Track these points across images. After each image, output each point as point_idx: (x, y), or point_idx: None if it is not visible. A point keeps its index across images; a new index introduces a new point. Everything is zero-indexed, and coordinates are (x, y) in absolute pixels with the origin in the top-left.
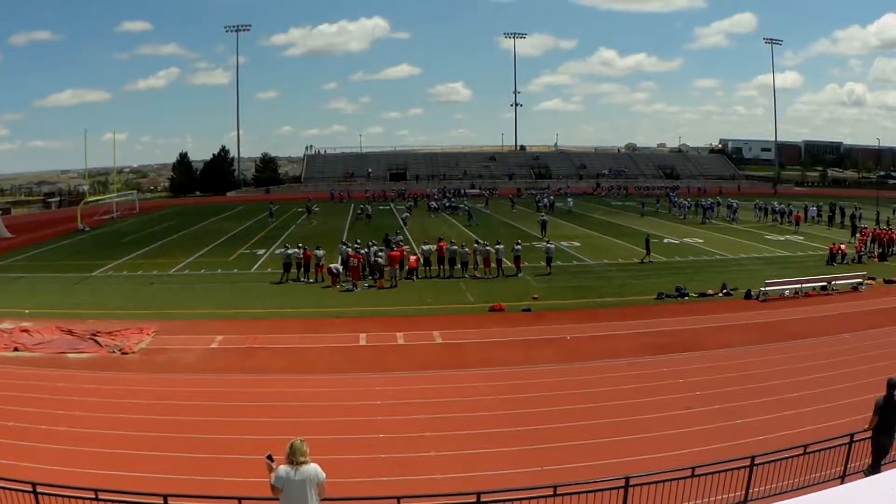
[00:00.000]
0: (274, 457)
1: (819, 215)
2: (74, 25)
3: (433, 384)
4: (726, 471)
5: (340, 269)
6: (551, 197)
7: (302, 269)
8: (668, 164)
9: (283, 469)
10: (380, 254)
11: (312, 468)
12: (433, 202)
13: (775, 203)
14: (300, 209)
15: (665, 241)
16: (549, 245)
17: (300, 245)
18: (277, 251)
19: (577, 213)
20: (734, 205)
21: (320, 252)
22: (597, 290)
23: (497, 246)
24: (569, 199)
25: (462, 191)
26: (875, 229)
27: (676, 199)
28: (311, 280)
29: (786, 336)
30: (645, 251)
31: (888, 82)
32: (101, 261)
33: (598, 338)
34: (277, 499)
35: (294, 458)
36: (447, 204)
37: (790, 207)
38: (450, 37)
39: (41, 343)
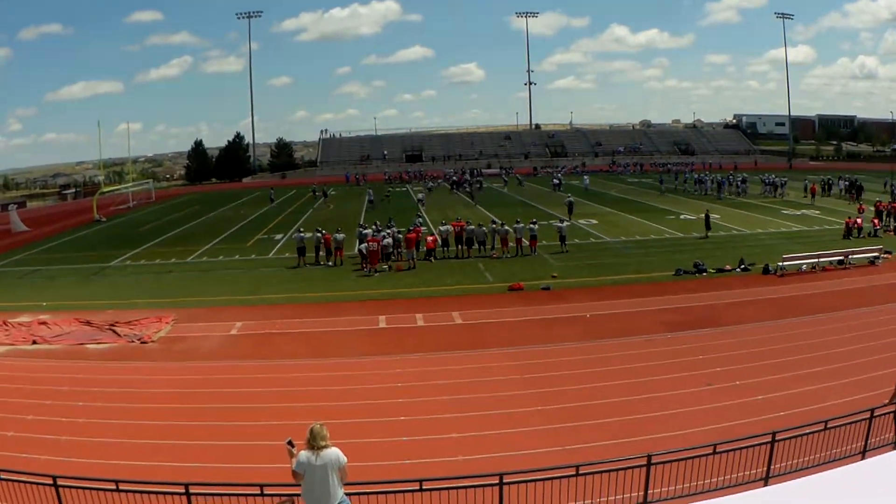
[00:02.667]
0: (294, 442)
1: (848, 190)
2: (84, 18)
3: (454, 365)
4: (748, 447)
5: (372, 248)
6: (559, 176)
7: (322, 252)
8: (683, 140)
9: (303, 454)
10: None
11: (333, 452)
12: (454, 178)
13: (768, 175)
14: (316, 193)
15: (682, 217)
16: (561, 224)
17: (318, 229)
18: (294, 236)
19: (593, 191)
20: (736, 179)
21: (340, 236)
22: (615, 267)
23: (516, 225)
24: (585, 178)
25: (478, 171)
26: (891, 203)
27: (690, 174)
28: (331, 264)
29: (804, 311)
30: (705, 227)
31: None
32: (119, 251)
33: (617, 315)
34: (299, 485)
35: (314, 443)
36: (467, 181)
37: (782, 180)
38: (462, 18)
39: (60, 335)
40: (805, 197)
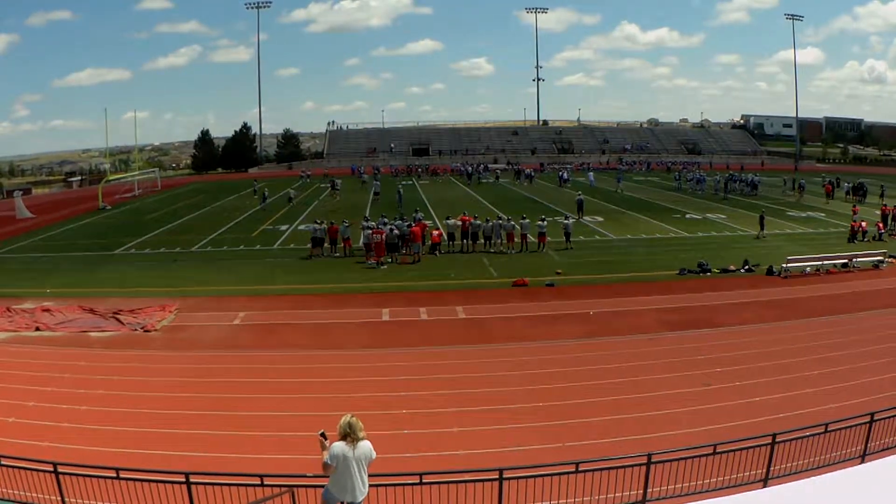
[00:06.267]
0: (327, 434)
1: (853, 192)
2: (93, 5)
3: (456, 359)
4: (748, 448)
5: (375, 240)
6: (564, 172)
7: (327, 244)
8: (691, 140)
9: (339, 446)
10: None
11: (367, 445)
12: (469, 167)
13: (751, 176)
14: (324, 185)
15: (687, 216)
16: (566, 221)
17: (320, 220)
18: (301, 227)
19: (598, 189)
20: (723, 179)
21: (344, 226)
22: (619, 265)
23: (522, 221)
24: (590, 174)
25: (485, 165)
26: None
27: (694, 174)
28: (338, 254)
29: (807, 313)
30: (759, 227)
31: None
32: (123, 239)
33: (620, 313)
34: (327, 476)
35: (352, 435)
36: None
37: (756, 179)
38: (472, 12)
39: (63, 322)
40: (793, 195)
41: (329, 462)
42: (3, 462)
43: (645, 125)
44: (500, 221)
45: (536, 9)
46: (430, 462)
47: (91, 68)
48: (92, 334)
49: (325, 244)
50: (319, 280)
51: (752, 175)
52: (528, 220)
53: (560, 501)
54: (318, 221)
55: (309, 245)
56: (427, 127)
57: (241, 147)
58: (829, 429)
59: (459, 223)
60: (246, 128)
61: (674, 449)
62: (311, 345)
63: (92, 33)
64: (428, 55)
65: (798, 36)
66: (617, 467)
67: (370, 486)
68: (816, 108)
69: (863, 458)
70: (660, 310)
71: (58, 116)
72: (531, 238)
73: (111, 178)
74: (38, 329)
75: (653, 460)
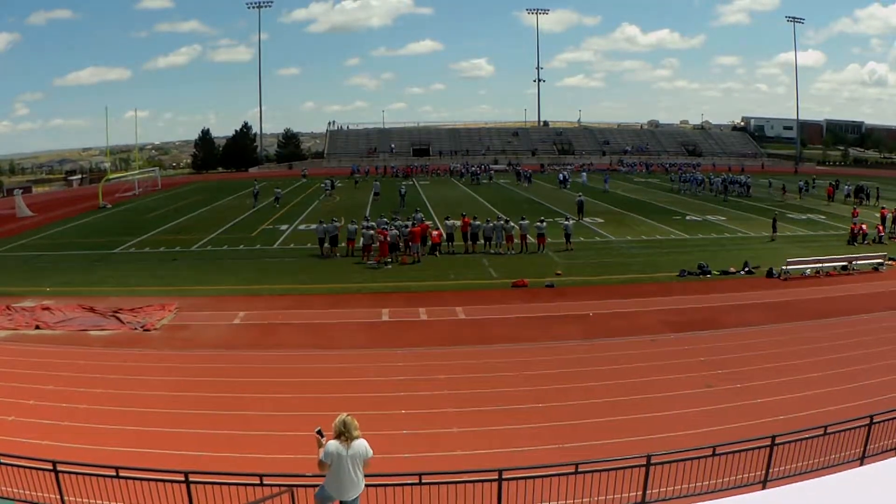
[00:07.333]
0: (324, 432)
1: (854, 195)
2: (93, 4)
3: (455, 360)
4: (747, 450)
5: (378, 239)
6: (564, 173)
7: (327, 244)
8: (691, 142)
9: (333, 444)
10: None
11: (362, 444)
12: (470, 167)
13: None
14: (322, 184)
15: (687, 218)
16: (567, 222)
17: (337, 218)
18: (301, 227)
19: (599, 190)
20: (717, 180)
21: (353, 226)
22: (619, 266)
23: (521, 222)
24: (582, 174)
25: (486, 166)
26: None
27: (691, 175)
28: (338, 254)
29: (807, 315)
30: (772, 230)
31: None
32: (123, 238)
33: (620, 314)
34: (324, 475)
35: (346, 434)
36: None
37: (748, 181)
38: (473, 12)
39: (63, 321)
40: (779, 196)
41: (324, 460)
42: (2, 461)
43: (645, 126)
44: (500, 222)
45: (537, 10)
46: (429, 462)
47: (92, 67)
48: (91, 333)
49: (326, 244)
50: (319, 280)
51: (745, 177)
52: (527, 222)
53: (559, 502)
54: (335, 219)
55: (317, 244)
56: (427, 127)
57: (242, 147)
58: (828, 431)
59: (459, 224)
60: (246, 127)
61: (673, 450)
62: (310, 345)
63: (92, 32)
64: (428, 55)
65: (799, 38)
66: (616, 468)
67: (369, 486)
68: (817, 111)
69: (862, 460)
70: (660, 311)
71: (58, 115)
72: (531, 239)
73: (111, 176)
74: (37, 327)
75: (652, 461)
